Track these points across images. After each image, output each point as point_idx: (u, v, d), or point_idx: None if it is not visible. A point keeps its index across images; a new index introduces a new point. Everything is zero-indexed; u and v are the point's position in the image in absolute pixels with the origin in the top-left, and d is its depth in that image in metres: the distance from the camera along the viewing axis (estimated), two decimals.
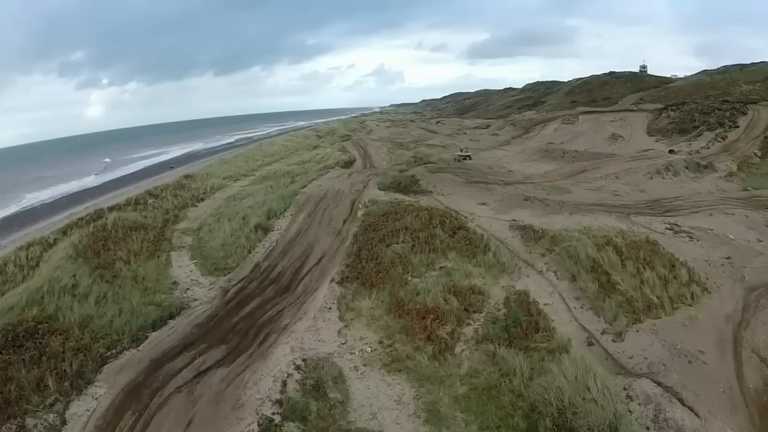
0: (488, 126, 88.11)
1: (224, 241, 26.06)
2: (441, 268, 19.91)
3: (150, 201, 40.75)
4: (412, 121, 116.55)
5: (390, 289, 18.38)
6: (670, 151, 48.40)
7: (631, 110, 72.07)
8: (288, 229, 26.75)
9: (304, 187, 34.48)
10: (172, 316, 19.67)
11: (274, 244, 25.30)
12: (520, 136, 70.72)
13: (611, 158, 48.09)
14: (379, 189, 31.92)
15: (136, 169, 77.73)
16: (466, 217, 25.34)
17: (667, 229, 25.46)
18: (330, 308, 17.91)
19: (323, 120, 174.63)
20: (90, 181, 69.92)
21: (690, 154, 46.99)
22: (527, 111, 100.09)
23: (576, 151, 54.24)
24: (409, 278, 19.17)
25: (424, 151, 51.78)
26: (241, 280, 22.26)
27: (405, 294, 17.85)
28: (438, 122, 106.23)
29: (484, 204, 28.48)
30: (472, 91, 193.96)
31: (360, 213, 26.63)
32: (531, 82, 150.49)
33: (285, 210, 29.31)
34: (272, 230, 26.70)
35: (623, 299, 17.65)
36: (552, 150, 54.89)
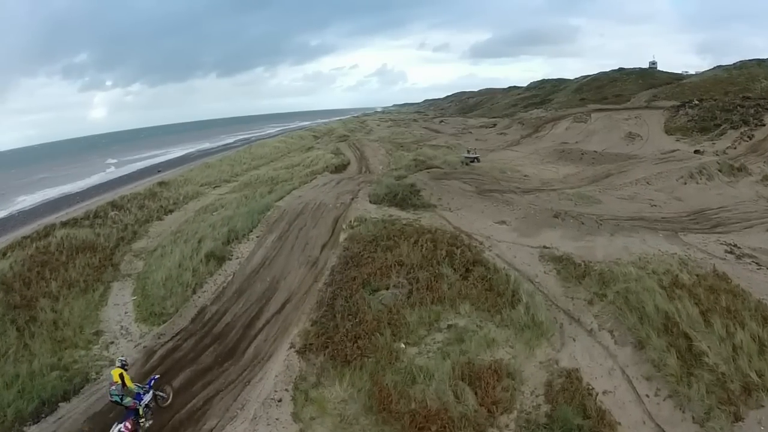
0: (495, 125, 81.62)
1: (169, 273, 19.64)
2: (449, 327, 13.49)
3: (111, 214, 34.47)
4: (414, 120, 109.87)
5: (372, 369, 11.91)
6: (696, 152, 42.37)
7: (647, 107, 66.22)
8: (250, 258, 20.22)
9: (281, 198, 28.04)
10: (66, 396, 13.45)
11: (229, 279, 18.85)
12: (529, 135, 64.42)
13: (635, 160, 41.79)
14: (370, 202, 25.33)
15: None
16: (481, 243, 18.82)
17: (726, 252, 19.11)
18: (281, 400, 11.50)
19: (325, 120, 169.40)
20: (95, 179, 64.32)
21: (717, 155, 41.01)
22: (534, 109, 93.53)
23: (595, 151, 47.83)
24: (403, 347, 12.73)
25: (427, 153, 45.30)
26: (176, 335, 15.89)
27: (394, 380, 11.39)
28: (441, 121, 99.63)
29: (503, 223, 21.84)
30: (476, 90, 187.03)
31: (343, 237, 20.09)
32: (536, 80, 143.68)
33: (251, 230, 22.85)
34: (229, 259, 20.22)
35: (714, 379, 11.31)
36: (568, 151, 48.36)
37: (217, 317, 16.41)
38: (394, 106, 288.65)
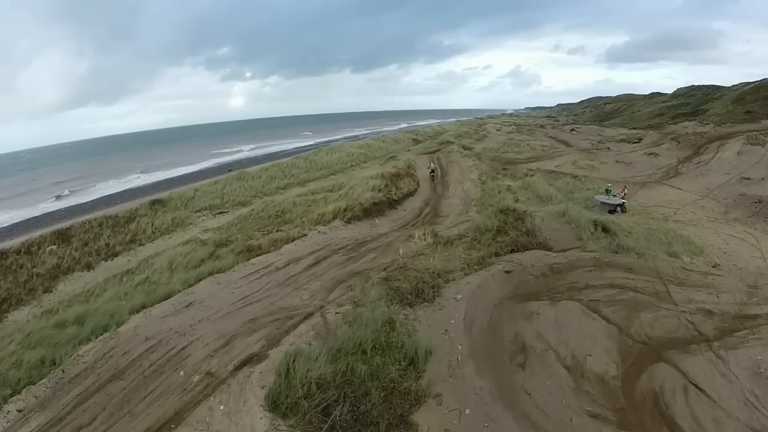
0: (640, 139, 57.01)
1: None
2: None
3: (49, 249, 22.62)
4: (541, 126, 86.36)
5: None
6: None
7: None
8: None
9: (163, 299, 12.55)
10: None
11: None
12: (689, 159, 40.59)
13: None
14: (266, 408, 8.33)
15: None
16: None
17: None
18: None
19: (454, 119, 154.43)
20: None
21: None
22: (686, 121, 66.53)
23: None
24: None
25: (537, 188, 25.78)
26: None
27: None
28: (573, 129, 75.56)
29: None
30: (612, 95, 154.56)
31: None
32: (685, 86, 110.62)
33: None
34: None
35: None
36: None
37: None
38: (526, 108, 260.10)
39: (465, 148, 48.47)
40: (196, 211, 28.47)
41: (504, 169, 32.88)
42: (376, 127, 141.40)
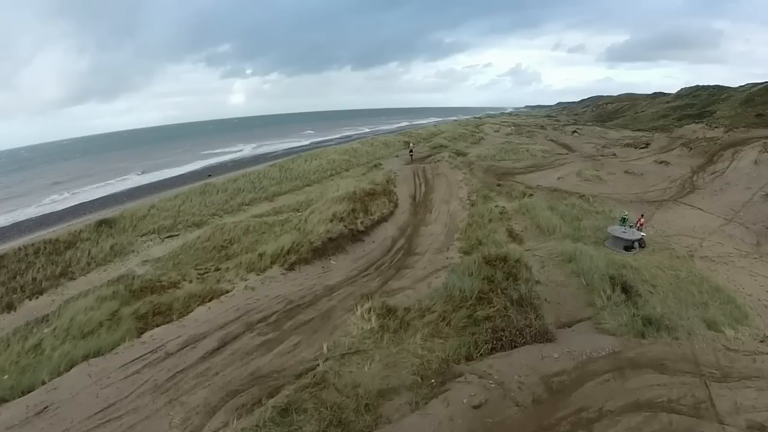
0: (647, 144, 52.68)
1: None
2: None
3: None
4: (542, 127, 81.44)
5: None
6: None
7: None
8: None
9: None
10: None
11: None
12: (702, 168, 36.30)
13: None
14: None
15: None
16: None
17: None
18: None
19: (454, 118, 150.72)
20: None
21: None
22: (693, 123, 62.49)
23: None
24: None
25: (538, 212, 21.20)
26: None
27: None
28: (574, 131, 70.97)
29: None
30: (614, 95, 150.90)
31: None
32: (688, 86, 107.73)
33: None
34: None
35: None
36: None
37: None
38: (526, 107, 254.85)
39: (458, 153, 43.85)
40: (142, 235, 24.17)
41: (499, 185, 28.17)
42: (377, 126, 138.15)
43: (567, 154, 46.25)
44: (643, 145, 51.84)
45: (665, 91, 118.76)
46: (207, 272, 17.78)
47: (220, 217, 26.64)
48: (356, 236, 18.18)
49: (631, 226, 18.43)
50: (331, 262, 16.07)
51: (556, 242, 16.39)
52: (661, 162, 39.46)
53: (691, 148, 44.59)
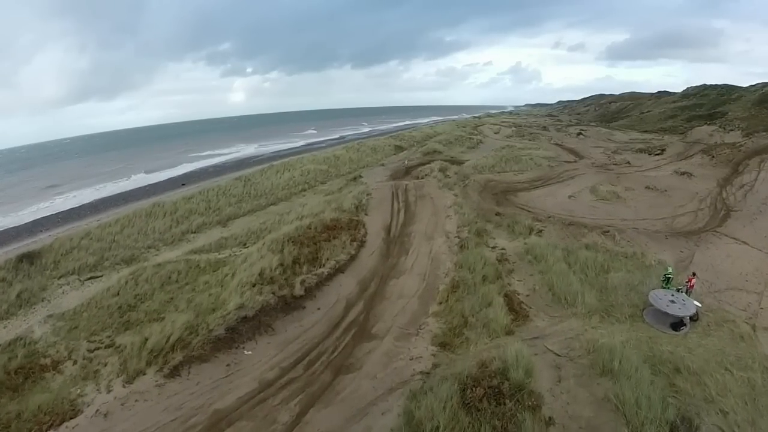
0: (662, 150, 47.11)
1: None
2: None
3: None
4: (544, 128, 75.55)
5: None
6: None
7: None
8: None
9: None
10: None
11: None
12: (729, 181, 31.07)
13: None
14: None
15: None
16: None
17: None
18: None
19: (455, 117, 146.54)
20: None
21: None
22: (704, 125, 56.62)
23: None
24: None
25: (550, 265, 15.63)
26: None
27: None
28: (579, 133, 65.25)
29: None
30: (616, 93, 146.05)
31: None
32: (695, 84, 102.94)
33: None
34: None
35: None
36: None
37: None
38: (527, 105, 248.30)
39: (452, 162, 38.33)
40: (61, 276, 18.96)
41: (498, 213, 22.55)
42: (377, 126, 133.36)
43: (575, 161, 40.58)
44: (658, 151, 46.13)
45: (668, 90, 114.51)
46: (98, 349, 12.59)
47: (157, 249, 21.40)
48: (293, 303, 12.78)
49: (678, 289, 12.97)
50: (245, 352, 10.74)
51: (579, 322, 10.98)
52: (683, 173, 33.87)
53: (713, 156, 38.91)
